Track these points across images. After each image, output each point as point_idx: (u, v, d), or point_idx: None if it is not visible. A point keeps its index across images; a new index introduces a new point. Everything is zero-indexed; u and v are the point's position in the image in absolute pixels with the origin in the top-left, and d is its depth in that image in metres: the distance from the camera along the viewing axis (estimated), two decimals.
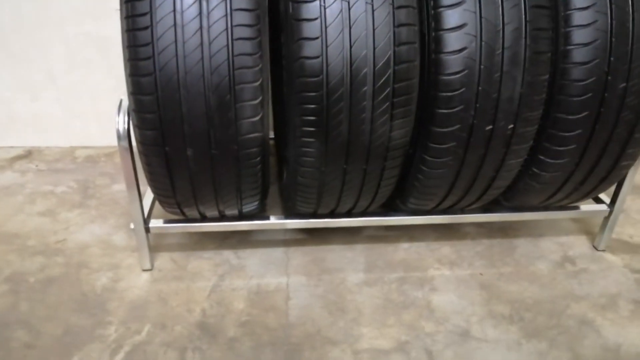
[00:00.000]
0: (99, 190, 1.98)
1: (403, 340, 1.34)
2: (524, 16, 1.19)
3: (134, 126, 1.21)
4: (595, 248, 1.72)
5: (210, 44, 1.10)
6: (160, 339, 1.32)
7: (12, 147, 2.30)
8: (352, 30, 1.14)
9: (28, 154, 2.25)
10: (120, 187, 2.01)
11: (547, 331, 1.38)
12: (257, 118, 1.19)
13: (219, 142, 1.20)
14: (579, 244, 1.74)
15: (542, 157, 1.37)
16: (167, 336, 1.33)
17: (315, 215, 1.53)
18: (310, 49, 1.14)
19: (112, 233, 1.73)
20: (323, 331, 1.36)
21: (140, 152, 1.24)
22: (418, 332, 1.36)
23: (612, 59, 1.24)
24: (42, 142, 2.32)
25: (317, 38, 1.13)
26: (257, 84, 1.15)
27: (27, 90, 2.22)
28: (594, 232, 1.76)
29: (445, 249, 1.70)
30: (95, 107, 2.28)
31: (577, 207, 1.65)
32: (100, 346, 1.30)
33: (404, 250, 1.69)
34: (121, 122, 1.31)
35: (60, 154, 2.27)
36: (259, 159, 1.27)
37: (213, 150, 1.21)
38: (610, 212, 1.64)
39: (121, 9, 1.13)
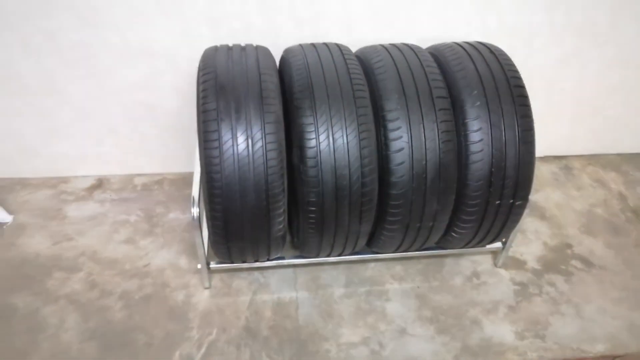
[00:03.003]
0: (160, 219, 2.82)
1: (366, 336, 2.28)
2: (438, 161, 1.99)
3: (209, 228, 2.03)
4: (495, 265, 2.63)
5: (254, 169, 1.88)
6: (224, 338, 2.25)
7: (84, 176, 3.08)
8: (335, 156, 1.92)
9: (100, 184, 3.04)
10: (174, 215, 2.84)
11: (450, 329, 2.33)
12: (282, 218, 2.02)
13: (258, 239, 2.04)
14: (485, 262, 2.65)
15: (454, 229, 2.23)
16: (227, 336, 2.26)
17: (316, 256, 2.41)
18: (312, 171, 1.92)
19: (177, 257, 2.60)
20: (319, 331, 2.29)
21: (210, 242, 2.08)
22: (375, 331, 2.30)
23: (492, 180, 2.05)
24: (106, 172, 3.09)
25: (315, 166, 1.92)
26: (281, 203, 1.97)
27: (93, 137, 2.95)
28: (497, 252, 2.67)
29: (398, 267, 2.60)
30: (144, 146, 3.03)
31: (484, 245, 2.54)
32: (190, 344, 2.22)
33: (371, 268, 2.59)
34: (195, 212, 2.12)
35: (123, 182, 3.06)
36: (281, 241, 2.11)
37: (255, 242, 2.05)
38: (504, 247, 2.54)
39: (200, 154, 1.89)
